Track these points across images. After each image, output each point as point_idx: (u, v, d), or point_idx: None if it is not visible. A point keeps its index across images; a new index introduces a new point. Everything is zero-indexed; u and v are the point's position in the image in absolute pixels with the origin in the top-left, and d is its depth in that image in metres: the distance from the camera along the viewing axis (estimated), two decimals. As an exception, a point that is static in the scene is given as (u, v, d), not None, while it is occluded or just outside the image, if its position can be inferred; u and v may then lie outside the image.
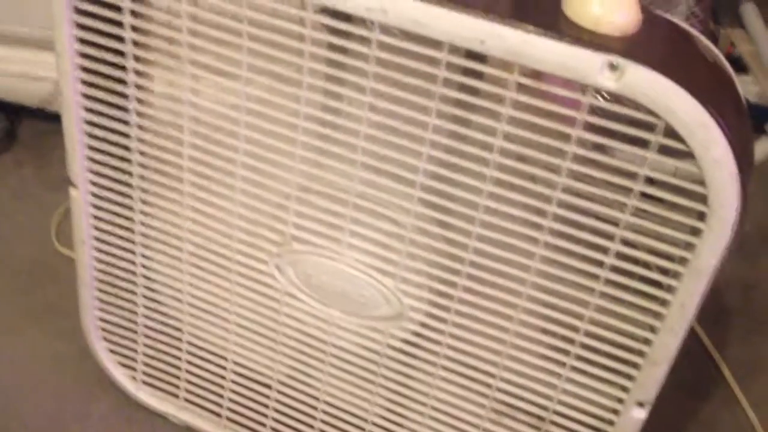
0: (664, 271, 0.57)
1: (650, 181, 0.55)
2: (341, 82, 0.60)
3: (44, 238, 1.00)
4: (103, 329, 0.82)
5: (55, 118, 0.76)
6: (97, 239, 0.75)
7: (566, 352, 0.63)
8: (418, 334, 0.68)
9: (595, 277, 0.59)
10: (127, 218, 0.72)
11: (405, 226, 0.62)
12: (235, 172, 0.65)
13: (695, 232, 0.54)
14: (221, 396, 0.80)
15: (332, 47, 0.58)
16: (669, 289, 0.57)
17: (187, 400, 0.82)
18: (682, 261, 0.56)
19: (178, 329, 0.78)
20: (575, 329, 0.62)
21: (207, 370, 0.79)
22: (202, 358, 0.79)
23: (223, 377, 0.79)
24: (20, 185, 1.08)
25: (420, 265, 0.64)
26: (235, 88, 0.62)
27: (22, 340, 0.91)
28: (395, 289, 0.66)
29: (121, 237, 0.74)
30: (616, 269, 0.58)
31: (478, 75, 0.57)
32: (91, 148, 0.69)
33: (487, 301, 0.63)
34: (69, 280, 0.80)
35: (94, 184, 0.71)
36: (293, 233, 0.66)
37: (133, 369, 0.83)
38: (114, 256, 0.75)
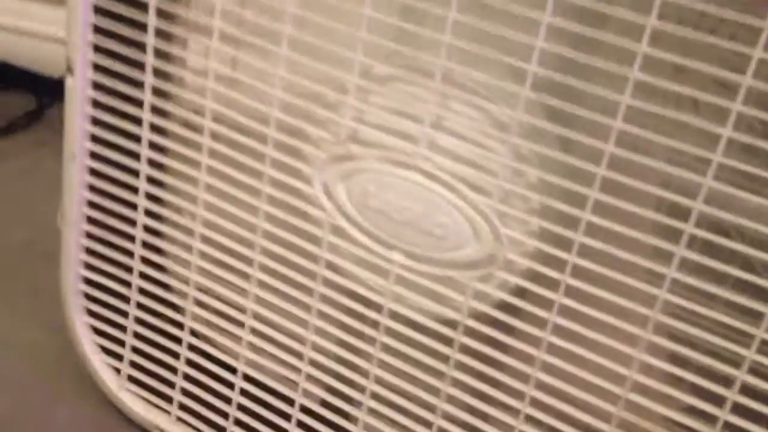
0: None
1: None
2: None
3: (49, 219, 0.82)
4: (88, 311, 0.61)
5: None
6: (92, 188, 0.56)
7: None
8: (520, 293, 0.46)
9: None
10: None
11: (509, 117, 0.42)
12: (281, 32, 0.46)
13: None
14: (226, 416, 0.57)
15: None
16: None
17: (182, 409, 0.60)
18: None
19: (178, 322, 0.57)
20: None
21: (212, 375, 0.57)
22: (206, 356, 0.57)
23: (231, 386, 0.57)
24: (33, 165, 0.92)
25: (531, 179, 0.43)
26: None
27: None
28: (492, 212, 0.44)
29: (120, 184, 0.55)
30: None
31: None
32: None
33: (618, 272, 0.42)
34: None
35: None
36: (351, 128, 0.46)
37: (118, 366, 0.61)
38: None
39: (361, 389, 0.51)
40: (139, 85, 0.51)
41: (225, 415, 0.57)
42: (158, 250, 0.57)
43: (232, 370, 0.56)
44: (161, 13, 0.49)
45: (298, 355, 0.53)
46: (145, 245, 0.56)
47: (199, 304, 0.56)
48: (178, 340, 0.57)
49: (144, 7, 0.49)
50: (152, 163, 0.53)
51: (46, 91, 1.01)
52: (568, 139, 0.41)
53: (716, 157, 0.38)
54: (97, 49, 0.52)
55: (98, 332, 0.61)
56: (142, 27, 0.50)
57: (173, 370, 0.58)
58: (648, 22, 0.37)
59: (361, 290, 0.49)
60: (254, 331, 0.54)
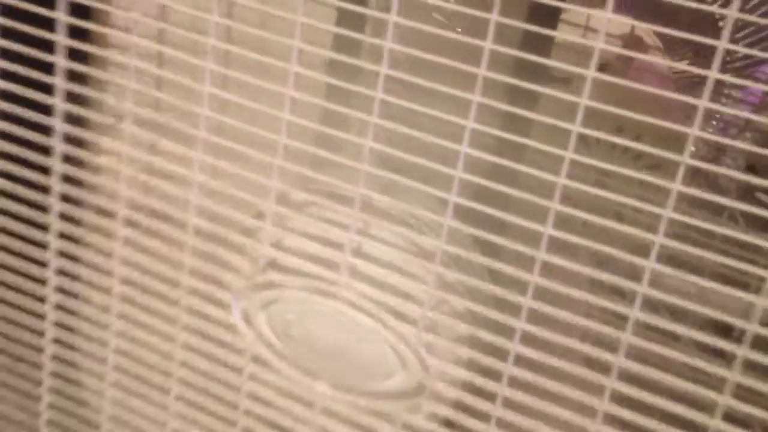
0: None
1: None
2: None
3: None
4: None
5: None
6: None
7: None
8: (449, 425, 0.44)
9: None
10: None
11: (434, 245, 0.40)
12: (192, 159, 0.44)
13: None
14: None
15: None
16: None
17: None
18: None
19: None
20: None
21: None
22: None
23: None
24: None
25: (458, 308, 0.42)
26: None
27: None
28: (418, 342, 0.42)
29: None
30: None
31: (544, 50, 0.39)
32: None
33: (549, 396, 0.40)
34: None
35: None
36: (268, 255, 0.44)
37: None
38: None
39: None
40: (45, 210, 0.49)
41: None
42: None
43: None
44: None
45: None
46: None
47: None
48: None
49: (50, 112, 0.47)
50: (59, 307, 0.51)
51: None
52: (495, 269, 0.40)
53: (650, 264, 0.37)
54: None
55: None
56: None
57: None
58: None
59: (286, 422, 0.47)
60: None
